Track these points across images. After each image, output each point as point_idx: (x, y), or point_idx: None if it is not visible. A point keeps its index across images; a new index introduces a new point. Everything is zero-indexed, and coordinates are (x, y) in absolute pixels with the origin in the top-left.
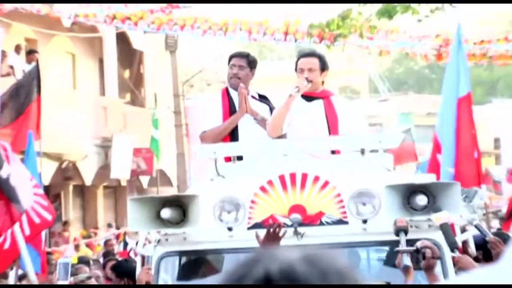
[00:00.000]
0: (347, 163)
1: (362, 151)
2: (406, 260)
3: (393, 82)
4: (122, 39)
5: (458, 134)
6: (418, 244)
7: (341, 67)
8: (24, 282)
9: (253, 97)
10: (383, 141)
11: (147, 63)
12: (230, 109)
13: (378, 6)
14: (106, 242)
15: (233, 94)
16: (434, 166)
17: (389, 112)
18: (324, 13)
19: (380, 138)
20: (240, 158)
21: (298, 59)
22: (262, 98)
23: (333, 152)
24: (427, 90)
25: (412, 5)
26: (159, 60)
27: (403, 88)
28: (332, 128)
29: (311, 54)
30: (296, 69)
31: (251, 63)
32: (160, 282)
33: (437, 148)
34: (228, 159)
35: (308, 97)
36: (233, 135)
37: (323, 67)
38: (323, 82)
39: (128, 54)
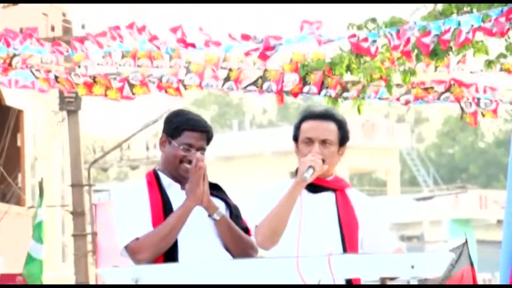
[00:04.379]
0: None
1: (383, 283)
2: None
3: (442, 168)
4: None
5: None
6: None
7: (354, 140)
8: None
9: None
10: (418, 265)
11: (29, 131)
12: (164, 212)
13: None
14: None
15: (168, 184)
16: None
17: (434, 217)
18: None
19: (412, 261)
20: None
21: (303, 120)
22: (213, 190)
23: (348, 281)
24: (499, 182)
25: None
26: (49, 126)
27: (459, 178)
28: (349, 238)
29: (327, 115)
30: (296, 137)
31: (209, 141)
32: None
33: None
34: None
35: (314, 186)
36: (168, 252)
37: (344, 138)
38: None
39: None
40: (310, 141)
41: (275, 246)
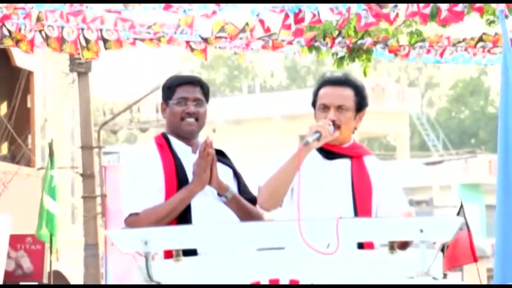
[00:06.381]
0: (365, 264)
1: (391, 246)
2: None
3: (452, 133)
4: None
5: None
6: None
7: None
8: None
9: None
10: (427, 229)
11: (39, 92)
12: (178, 175)
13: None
14: None
15: (179, 147)
16: None
17: (443, 182)
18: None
19: (421, 225)
20: (190, 253)
21: (320, 87)
22: (219, 156)
23: (360, 245)
24: None
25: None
26: (60, 87)
27: (469, 142)
28: (361, 205)
29: (344, 81)
30: (314, 103)
31: (207, 95)
32: None
33: None
34: (169, 255)
35: (330, 153)
36: (182, 217)
37: (361, 104)
38: (355, 129)
39: (7, 76)
40: (326, 107)
41: (288, 210)
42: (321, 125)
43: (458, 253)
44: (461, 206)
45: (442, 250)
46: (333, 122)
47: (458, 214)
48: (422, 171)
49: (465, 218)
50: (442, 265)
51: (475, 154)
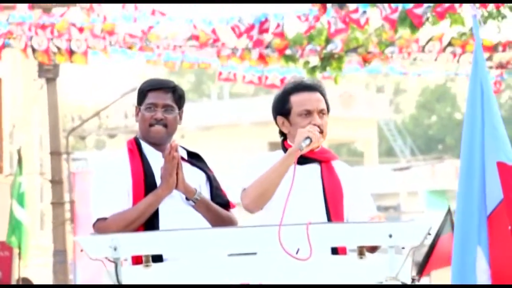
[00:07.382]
0: (335, 269)
1: (360, 252)
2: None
3: (419, 139)
4: None
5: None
6: None
7: (332, 111)
8: None
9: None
10: (396, 234)
11: (7, 98)
12: (146, 180)
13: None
14: None
15: (149, 151)
16: None
17: (411, 188)
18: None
19: (390, 230)
20: (158, 258)
21: (291, 93)
22: (193, 159)
23: (334, 250)
24: None
25: (455, 6)
26: (28, 94)
27: (436, 148)
28: (333, 209)
29: (315, 86)
30: (285, 110)
31: (180, 100)
32: None
33: None
34: (137, 260)
35: (300, 158)
36: (149, 222)
37: (328, 108)
38: None
39: None
40: (308, 113)
41: (261, 214)
42: (311, 130)
43: (441, 256)
44: (448, 211)
45: (428, 254)
46: (319, 127)
47: (445, 218)
48: (389, 177)
49: (451, 222)
50: (429, 267)
51: (442, 160)
